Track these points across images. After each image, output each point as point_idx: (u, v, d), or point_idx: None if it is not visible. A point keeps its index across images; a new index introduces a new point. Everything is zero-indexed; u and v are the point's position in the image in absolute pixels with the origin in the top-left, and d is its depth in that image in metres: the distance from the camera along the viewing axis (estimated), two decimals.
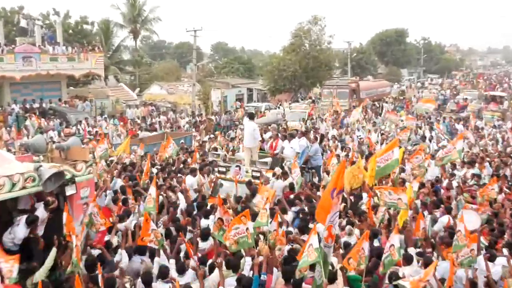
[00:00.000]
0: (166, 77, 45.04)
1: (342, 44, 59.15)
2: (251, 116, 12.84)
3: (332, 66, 43.41)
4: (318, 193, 10.78)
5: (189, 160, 14.54)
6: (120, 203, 9.71)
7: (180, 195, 10.15)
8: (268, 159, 12.27)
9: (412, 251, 7.32)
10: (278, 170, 11.69)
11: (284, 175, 11.56)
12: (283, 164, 12.54)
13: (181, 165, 13.75)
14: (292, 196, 10.41)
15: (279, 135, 14.34)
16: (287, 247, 7.35)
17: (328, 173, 12.74)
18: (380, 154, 9.98)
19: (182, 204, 9.60)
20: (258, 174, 11.13)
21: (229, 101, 38.48)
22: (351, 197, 10.16)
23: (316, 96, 38.90)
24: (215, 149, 16.22)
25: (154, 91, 38.28)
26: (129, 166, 13.37)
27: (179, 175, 12.40)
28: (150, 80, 42.30)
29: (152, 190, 8.64)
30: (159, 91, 38.14)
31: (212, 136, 20.34)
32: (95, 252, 7.30)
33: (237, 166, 11.34)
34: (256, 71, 55.48)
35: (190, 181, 11.34)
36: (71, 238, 6.52)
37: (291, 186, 11.04)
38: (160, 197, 9.98)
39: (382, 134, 19.65)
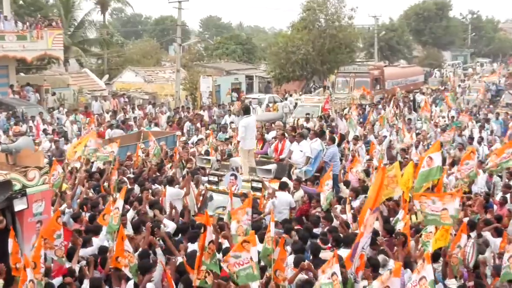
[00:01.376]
0: (142, 61, 45.20)
1: (367, 20, 59.57)
2: (247, 110, 12.91)
3: (354, 47, 43.52)
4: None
5: (168, 166, 14.59)
6: (86, 220, 9.76)
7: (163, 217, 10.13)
8: (272, 166, 12.32)
9: (452, 284, 7.32)
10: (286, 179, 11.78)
11: (296, 184, 11.70)
12: (291, 172, 12.59)
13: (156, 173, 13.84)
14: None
15: (286, 135, 14.39)
16: (302, 277, 7.39)
17: (347, 184, 12.78)
18: (420, 160, 10.02)
19: (170, 226, 9.53)
20: (259, 185, 11.18)
21: (223, 91, 38.61)
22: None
23: (328, 86, 39.02)
24: (206, 152, 16.27)
25: (127, 79, 38.41)
26: (96, 173, 13.44)
27: (155, 186, 12.45)
28: (123, 65, 42.48)
29: (119, 203, 8.66)
30: (133, 79, 38.26)
31: (199, 137, 20.37)
32: (56, 282, 7.31)
33: (232, 174, 11.39)
34: (258, 54, 55.69)
35: (172, 192, 11.42)
36: (22, 271, 6.43)
37: (308, 198, 11.14)
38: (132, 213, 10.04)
39: (417, 134, 19.68)
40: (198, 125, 23.44)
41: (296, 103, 30.33)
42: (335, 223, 9.87)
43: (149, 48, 49.00)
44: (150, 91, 36.35)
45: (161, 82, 38.03)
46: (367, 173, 13.47)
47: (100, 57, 43.94)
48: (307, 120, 23.15)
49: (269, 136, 16.22)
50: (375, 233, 8.28)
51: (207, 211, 8.10)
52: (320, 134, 15.11)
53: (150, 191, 11.65)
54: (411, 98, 33.27)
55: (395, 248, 8.29)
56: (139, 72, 38.91)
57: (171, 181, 11.83)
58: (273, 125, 19.53)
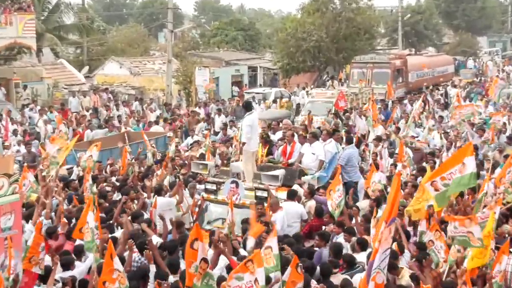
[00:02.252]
0: (128, 50, 45.28)
1: (390, 1, 59.39)
2: (248, 106, 12.98)
3: (374, 33, 43.56)
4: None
5: (158, 172, 14.65)
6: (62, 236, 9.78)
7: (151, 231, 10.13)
8: (280, 172, 12.33)
9: None
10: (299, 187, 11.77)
11: (308, 193, 11.73)
12: (302, 179, 12.56)
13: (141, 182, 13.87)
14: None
15: (296, 135, 14.40)
16: None
17: (367, 195, 12.79)
18: (446, 167, 9.89)
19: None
20: (264, 194, 11.19)
21: (222, 85, 38.62)
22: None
23: (343, 78, 39.01)
24: (201, 156, 16.27)
25: (110, 71, 38.50)
26: (74, 181, 13.45)
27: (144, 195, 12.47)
28: (105, 55, 42.52)
29: (90, 218, 8.72)
30: (117, 71, 38.35)
31: (195, 138, 20.39)
32: None
33: (233, 182, 11.40)
34: (262, 41, 55.77)
35: (162, 203, 11.42)
36: None
37: (319, 211, 11.13)
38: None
39: (448, 135, 19.65)
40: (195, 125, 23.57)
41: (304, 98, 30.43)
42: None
43: (135, 35, 49.12)
44: (137, 85, 36.38)
45: (150, 75, 38.06)
46: (391, 179, 13.43)
47: (78, 46, 44.00)
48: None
49: (275, 137, 16.22)
50: (394, 255, 8.29)
51: (197, 224, 8.09)
52: (334, 133, 15.11)
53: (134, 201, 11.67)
54: (442, 92, 33.24)
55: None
56: (124, 63, 38.94)
57: (160, 190, 11.87)
58: (280, 124, 19.55)
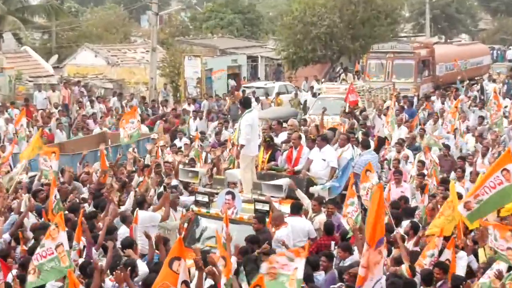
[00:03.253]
0: (105, 36, 45.32)
1: None
2: (247, 103, 12.99)
3: (397, 17, 43.55)
4: None
5: (139, 179, 14.67)
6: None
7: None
8: (284, 181, 12.37)
9: None
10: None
11: (316, 206, 11.79)
12: (311, 190, 12.65)
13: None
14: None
15: (303, 138, 14.44)
16: None
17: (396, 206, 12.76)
18: (484, 179, 9.87)
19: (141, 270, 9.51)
20: (266, 208, 11.24)
21: (215, 77, 38.66)
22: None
23: (355, 70, 38.98)
24: (192, 162, 16.35)
25: (84, 60, 38.50)
26: (42, 192, 13.44)
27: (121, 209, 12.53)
28: (77, 42, 42.57)
29: (62, 237, 8.75)
30: (92, 60, 38.37)
31: (184, 141, 20.42)
32: None
33: (228, 193, 11.44)
34: (264, 27, 55.73)
35: (144, 218, 11.46)
36: None
37: (329, 228, 11.16)
38: None
39: (482, 138, 19.73)
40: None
41: (315, 94, 30.41)
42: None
43: (113, 18, 49.19)
44: (115, 78, 36.42)
45: (131, 65, 38.08)
46: (423, 189, 13.56)
47: (46, 31, 44.01)
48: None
49: (278, 140, 16.25)
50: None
51: (180, 238, 8.07)
52: (349, 136, 15.16)
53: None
54: (478, 88, 33.26)
55: None
56: (100, 52, 38.94)
57: (142, 203, 11.90)
58: (286, 124, 19.55)
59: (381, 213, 7.45)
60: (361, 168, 13.48)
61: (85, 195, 14.40)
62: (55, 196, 12.07)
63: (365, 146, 14.49)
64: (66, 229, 9.38)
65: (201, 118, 25.55)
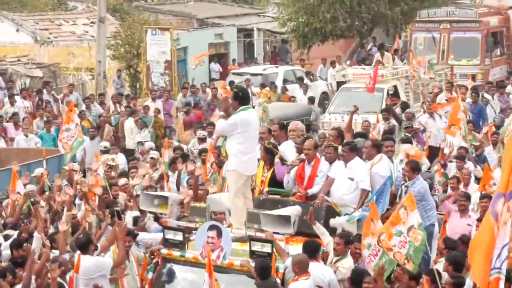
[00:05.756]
0: (31, 3, 45.38)
1: None
2: (243, 96, 13.06)
3: None
4: None
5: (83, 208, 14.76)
6: None
7: None
8: (293, 210, 12.42)
9: None
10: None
11: (341, 245, 11.80)
12: (332, 223, 12.68)
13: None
14: None
15: (318, 148, 14.43)
16: None
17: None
18: None
19: None
20: (267, 249, 11.28)
21: (192, 60, 38.63)
22: None
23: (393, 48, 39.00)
24: (159, 179, 16.35)
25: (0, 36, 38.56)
26: None
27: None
28: None
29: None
30: (12, 37, 38.48)
31: (151, 155, 20.52)
32: None
33: (212, 227, 11.49)
34: None
35: (88, 265, 11.51)
36: None
37: (358, 278, 11.20)
38: None
39: None
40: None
41: (338, 84, 30.53)
42: None
43: None
44: (46, 62, 36.45)
45: (69, 44, 38.18)
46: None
47: None
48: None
49: (285, 150, 16.21)
50: None
51: None
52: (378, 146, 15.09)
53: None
54: None
55: None
56: (23, 24, 39.06)
57: (85, 245, 11.94)
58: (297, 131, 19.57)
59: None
60: (417, 195, 13.53)
61: None
62: None
63: (415, 169, 14.37)
64: None
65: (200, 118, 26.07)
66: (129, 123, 25.68)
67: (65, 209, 14.27)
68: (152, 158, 20.39)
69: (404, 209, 11.39)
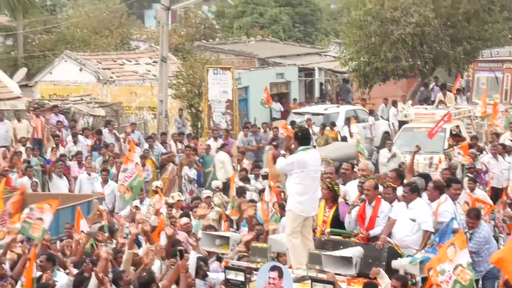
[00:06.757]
0: (94, 41, 45.81)
1: None
2: (304, 137, 13.09)
3: None
4: None
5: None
6: None
7: None
8: (354, 251, 12.40)
9: None
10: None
11: None
12: (394, 265, 12.64)
13: None
14: None
15: (378, 188, 14.36)
16: None
17: None
18: None
19: None
20: None
21: (255, 99, 38.74)
22: None
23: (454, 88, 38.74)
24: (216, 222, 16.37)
25: (63, 76, 38.95)
26: None
27: None
28: (55, 49, 43.05)
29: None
30: (76, 76, 38.83)
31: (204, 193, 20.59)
32: None
33: (273, 268, 11.35)
34: (323, 26, 55.80)
35: None
36: None
37: None
38: None
39: None
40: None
41: (400, 124, 30.39)
42: None
43: (106, 15, 49.70)
44: (108, 101, 36.71)
45: (131, 83, 38.44)
46: None
47: (10, 34, 44.68)
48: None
49: (350, 189, 16.16)
50: None
51: None
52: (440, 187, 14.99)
53: None
54: None
55: None
56: (86, 63, 39.38)
57: (147, 283, 11.91)
58: (355, 169, 19.50)
59: None
60: (480, 243, 13.43)
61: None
62: None
63: (478, 217, 14.25)
64: None
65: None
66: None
67: (126, 247, 14.38)
68: (208, 197, 20.41)
69: (454, 247, 11.36)
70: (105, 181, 23.14)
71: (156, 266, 14.05)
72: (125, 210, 20.57)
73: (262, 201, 17.68)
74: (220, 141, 28.47)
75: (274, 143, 26.29)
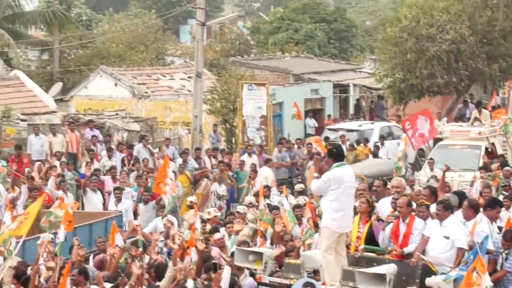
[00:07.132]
0: (129, 56, 46.01)
1: None
2: (337, 153, 13.12)
3: None
4: None
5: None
6: None
7: None
8: (388, 268, 12.36)
9: None
10: None
11: None
12: (428, 282, 12.54)
13: None
14: None
15: (412, 205, 14.31)
16: None
17: None
18: None
19: None
20: None
21: (287, 115, 38.75)
22: None
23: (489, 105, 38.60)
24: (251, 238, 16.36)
25: (98, 91, 39.19)
26: None
27: None
28: (90, 64, 43.26)
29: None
30: (111, 90, 39.08)
31: (243, 207, 20.61)
32: None
33: (307, 284, 11.45)
34: (358, 42, 55.74)
35: None
36: None
37: None
38: None
39: None
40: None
41: (434, 141, 30.26)
42: None
43: (141, 30, 49.89)
44: (143, 115, 36.90)
45: (166, 98, 38.58)
46: None
47: (46, 49, 44.87)
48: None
49: (383, 206, 16.14)
50: None
51: None
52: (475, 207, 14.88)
53: None
54: None
55: None
56: (121, 78, 39.53)
57: None
58: (389, 186, 19.45)
59: None
60: None
61: None
62: None
63: (511, 239, 14.15)
64: None
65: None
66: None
67: (171, 263, 14.46)
68: (238, 212, 20.33)
69: (476, 272, 11.31)
70: (118, 200, 23.00)
71: (190, 285, 14.12)
72: (148, 226, 20.76)
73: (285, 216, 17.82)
74: (254, 157, 28.52)
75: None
